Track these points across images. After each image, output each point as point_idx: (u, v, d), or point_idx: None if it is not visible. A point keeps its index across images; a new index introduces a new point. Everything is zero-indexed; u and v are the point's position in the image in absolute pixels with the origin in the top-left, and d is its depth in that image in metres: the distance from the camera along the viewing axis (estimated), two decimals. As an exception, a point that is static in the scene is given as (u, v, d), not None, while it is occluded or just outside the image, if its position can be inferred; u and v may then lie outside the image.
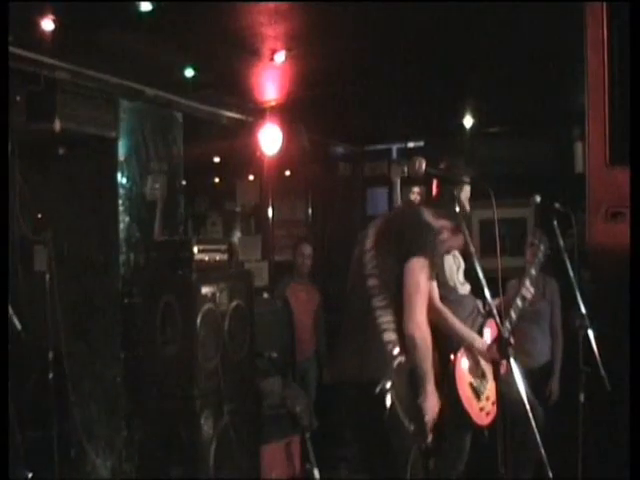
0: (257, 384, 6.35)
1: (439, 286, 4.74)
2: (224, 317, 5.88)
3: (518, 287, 5.27)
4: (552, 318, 6.45)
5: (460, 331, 4.73)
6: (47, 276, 5.64)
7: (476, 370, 4.77)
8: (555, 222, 4.55)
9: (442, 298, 4.77)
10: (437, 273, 4.63)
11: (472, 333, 4.78)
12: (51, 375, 5.54)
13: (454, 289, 5.02)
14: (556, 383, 6.44)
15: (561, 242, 4.47)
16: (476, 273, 3.39)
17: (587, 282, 4.78)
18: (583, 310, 4.33)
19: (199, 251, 5.79)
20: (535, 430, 3.14)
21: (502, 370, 3.39)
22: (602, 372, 4.17)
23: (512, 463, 4.77)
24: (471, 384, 4.72)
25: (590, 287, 4.78)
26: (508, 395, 3.34)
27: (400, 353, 3.67)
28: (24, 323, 4.88)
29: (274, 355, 6.60)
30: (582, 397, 4.36)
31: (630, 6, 2.94)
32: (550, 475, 3.16)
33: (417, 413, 3.70)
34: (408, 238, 3.84)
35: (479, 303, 4.99)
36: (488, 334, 4.90)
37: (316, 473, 6.84)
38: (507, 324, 4.93)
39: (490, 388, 4.73)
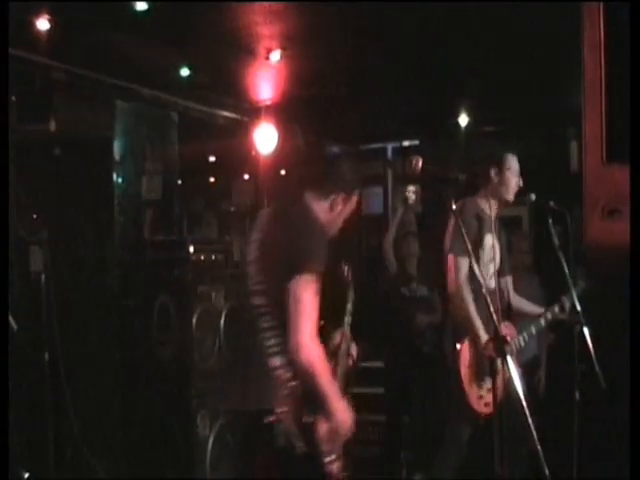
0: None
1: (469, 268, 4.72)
2: (220, 317, 5.88)
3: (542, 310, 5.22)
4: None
5: (472, 321, 4.74)
6: (43, 276, 5.63)
7: (481, 360, 4.74)
8: (550, 220, 4.56)
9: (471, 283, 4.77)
10: (474, 254, 4.45)
11: (482, 326, 4.72)
12: (47, 375, 5.53)
13: (480, 279, 4.94)
14: (542, 373, 6.57)
15: (556, 240, 4.47)
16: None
17: (582, 279, 4.80)
18: (578, 307, 4.34)
19: (195, 251, 5.78)
20: (532, 427, 3.15)
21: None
22: (597, 369, 4.18)
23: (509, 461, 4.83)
24: (474, 372, 4.77)
25: (585, 284, 4.80)
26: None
27: (293, 377, 3.33)
28: (20, 323, 4.88)
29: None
30: (577, 394, 4.36)
31: (630, 6, 2.95)
32: (547, 472, 3.17)
33: (315, 436, 3.37)
34: (296, 248, 3.38)
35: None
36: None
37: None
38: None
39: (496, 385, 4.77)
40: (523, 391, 3.30)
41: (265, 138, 7.54)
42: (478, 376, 4.78)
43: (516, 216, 8.19)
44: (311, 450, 3.36)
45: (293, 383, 3.34)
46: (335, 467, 3.43)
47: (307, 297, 3.29)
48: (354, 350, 3.90)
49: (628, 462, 2.86)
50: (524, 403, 3.18)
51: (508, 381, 3.24)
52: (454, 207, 3.77)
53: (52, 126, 5.47)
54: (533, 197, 4.77)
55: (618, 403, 3.77)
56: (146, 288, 5.93)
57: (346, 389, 3.74)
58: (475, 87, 6.91)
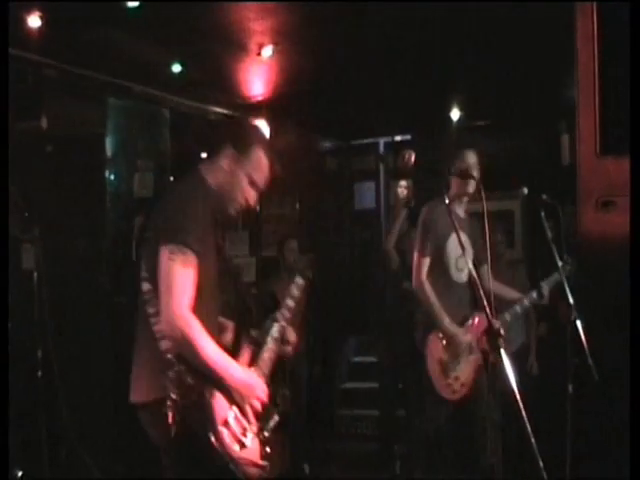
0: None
1: (435, 266, 5.09)
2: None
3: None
4: None
5: (435, 314, 5.01)
6: (35, 274, 5.62)
7: (449, 350, 5.05)
8: (542, 214, 4.57)
9: (435, 278, 5.08)
10: (438, 253, 5.06)
11: (446, 319, 5.01)
12: (40, 374, 5.52)
13: (450, 274, 5.17)
14: (533, 358, 6.70)
15: (549, 233, 4.49)
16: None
17: (574, 272, 4.82)
18: (571, 300, 4.35)
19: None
20: (526, 420, 3.16)
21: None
22: (590, 362, 4.19)
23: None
24: (440, 360, 5.05)
25: (577, 277, 4.81)
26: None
27: (178, 360, 3.08)
28: (12, 321, 4.86)
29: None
30: (570, 388, 4.38)
31: (630, 4, 2.96)
32: (540, 465, 3.17)
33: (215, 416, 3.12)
34: (164, 220, 3.15)
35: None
36: (472, 325, 5.14)
37: (306, 468, 6.87)
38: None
39: (461, 371, 5.05)
40: (516, 385, 3.31)
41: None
42: (446, 365, 5.04)
43: (508, 210, 8.22)
44: (214, 442, 3.09)
45: (181, 367, 3.08)
46: (245, 456, 3.19)
47: (175, 269, 3.03)
48: (292, 337, 3.70)
49: (622, 456, 2.87)
50: (518, 397, 3.18)
51: (501, 375, 3.24)
52: (447, 201, 3.80)
53: (44, 123, 5.46)
54: (525, 191, 4.79)
55: (611, 396, 3.78)
56: (138, 285, 5.91)
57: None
58: (467, 82, 6.93)
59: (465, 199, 5.15)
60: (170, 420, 3.05)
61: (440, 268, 5.12)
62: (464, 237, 5.00)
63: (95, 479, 5.88)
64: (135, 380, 3.37)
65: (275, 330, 3.62)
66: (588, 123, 3.08)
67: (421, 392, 5.30)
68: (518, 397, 3.18)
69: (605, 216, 3.05)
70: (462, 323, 5.12)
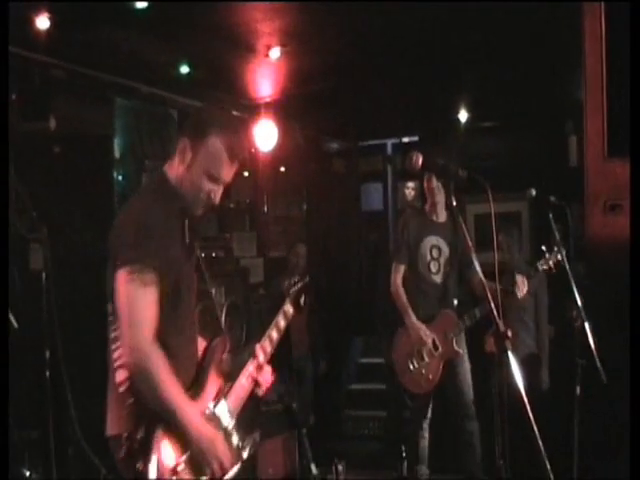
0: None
1: (410, 270, 5.57)
2: (220, 313, 5.88)
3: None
4: (537, 312, 6.46)
5: (403, 311, 5.50)
6: (43, 274, 5.61)
7: (413, 346, 5.47)
8: (550, 215, 4.55)
9: (408, 280, 5.57)
10: (410, 256, 5.55)
11: (412, 315, 5.46)
12: (48, 374, 5.52)
13: (422, 275, 5.58)
14: (545, 373, 6.57)
15: (557, 235, 4.48)
16: (474, 267, 3.39)
17: (583, 274, 4.80)
18: (579, 302, 4.33)
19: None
20: (533, 421, 3.15)
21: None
22: (598, 364, 4.18)
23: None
24: (406, 355, 5.50)
25: (586, 279, 4.80)
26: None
27: (132, 393, 2.83)
28: (20, 322, 4.87)
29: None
30: (578, 390, 4.37)
31: (630, 5, 2.95)
32: (548, 467, 3.16)
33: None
34: (113, 238, 2.90)
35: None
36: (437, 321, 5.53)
37: (313, 469, 6.86)
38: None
39: (426, 366, 5.46)
40: (524, 386, 3.30)
41: (264, 135, 7.53)
42: (409, 360, 5.48)
43: (516, 211, 8.20)
44: None
45: (131, 400, 2.82)
46: None
47: (133, 293, 2.75)
48: (267, 377, 3.33)
49: (628, 459, 2.86)
50: (525, 398, 3.17)
51: (508, 377, 3.23)
52: (454, 203, 3.78)
53: (52, 124, 5.47)
54: (533, 192, 4.78)
55: (619, 398, 3.77)
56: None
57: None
58: (474, 83, 6.92)
59: (441, 203, 5.50)
60: (123, 459, 2.80)
61: (415, 271, 5.58)
62: (440, 240, 5.54)
63: None
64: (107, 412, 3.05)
65: (251, 366, 3.25)
66: (595, 126, 3.07)
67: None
68: (525, 399, 3.18)
69: (612, 219, 3.03)
70: (431, 320, 5.50)
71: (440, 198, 5.46)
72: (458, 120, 8.15)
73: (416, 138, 9.43)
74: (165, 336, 2.83)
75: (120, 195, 6.17)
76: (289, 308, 3.52)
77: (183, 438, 2.81)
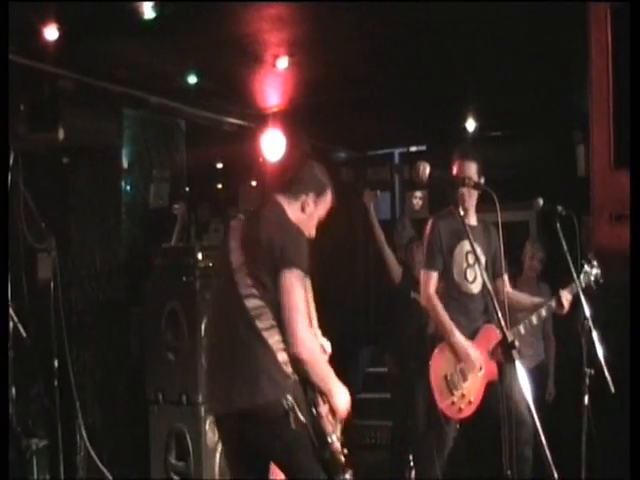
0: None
1: (443, 279, 5.02)
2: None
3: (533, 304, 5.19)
4: (544, 324, 6.44)
5: (445, 328, 4.90)
6: (51, 284, 5.64)
7: (455, 366, 4.88)
8: (558, 225, 4.54)
9: (443, 291, 5.02)
10: (444, 265, 5.01)
11: (455, 331, 4.88)
12: (56, 382, 5.54)
13: (458, 285, 5.06)
14: (552, 385, 6.61)
15: (564, 245, 4.46)
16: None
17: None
18: (587, 312, 4.32)
19: (203, 257, 5.80)
20: (540, 432, 3.15)
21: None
22: (606, 374, 4.17)
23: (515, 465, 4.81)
24: (445, 377, 4.87)
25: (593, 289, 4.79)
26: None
27: (293, 372, 3.53)
28: (29, 331, 4.89)
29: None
30: (586, 399, 4.35)
31: (630, 9, 2.95)
32: (555, 476, 3.16)
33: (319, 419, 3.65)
34: (279, 246, 3.49)
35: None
36: (480, 337, 5.00)
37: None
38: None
39: (468, 388, 4.87)
40: (532, 396, 3.29)
41: (272, 145, 7.55)
42: (450, 383, 4.87)
43: (524, 221, 8.19)
44: (316, 433, 3.57)
45: (295, 377, 3.53)
46: (337, 445, 3.67)
47: (297, 291, 3.45)
48: (326, 344, 4.03)
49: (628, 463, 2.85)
50: (532, 408, 3.17)
51: (515, 386, 3.23)
52: (462, 213, 3.77)
53: (60, 135, 5.49)
54: (541, 202, 4.77)
55: (627, 407, 3.76)
56: (154, 295, 5.94)
57: None
58: (482, 92, 6.92)
59: (471, 209, 5.05)
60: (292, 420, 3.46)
61: (448, 280, 5.04)
62: (476, 246, 4.66)
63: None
64: (234, 390, 3.55)
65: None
66: (602, 136, 3.06)
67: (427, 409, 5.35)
68: (533, 408, 3.17)
69: (619, 229, 3.03)
70: (473, 337, 4.97)
71: (471, 203, 5.01)
72: (466, 129, 8.15)
73: (424, 147, 9.43)
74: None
75: (128, 205, 6.18)
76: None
77: (326, 397, 3.66)
